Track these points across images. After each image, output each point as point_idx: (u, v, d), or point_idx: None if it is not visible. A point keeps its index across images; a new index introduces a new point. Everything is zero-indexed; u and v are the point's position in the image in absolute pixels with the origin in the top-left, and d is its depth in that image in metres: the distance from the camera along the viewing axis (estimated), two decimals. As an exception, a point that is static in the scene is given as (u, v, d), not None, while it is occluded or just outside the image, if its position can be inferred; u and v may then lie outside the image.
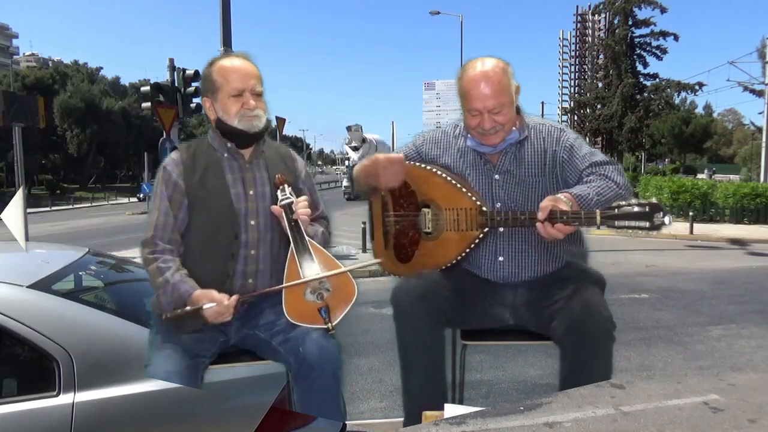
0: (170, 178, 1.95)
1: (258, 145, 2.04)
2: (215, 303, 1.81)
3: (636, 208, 1.74)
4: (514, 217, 1.95)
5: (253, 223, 1.97)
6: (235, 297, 1.85)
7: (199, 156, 1.99)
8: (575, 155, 2.00)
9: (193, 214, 1.95)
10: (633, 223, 1.75)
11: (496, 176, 2.06)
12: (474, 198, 2.02)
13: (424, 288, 1.94)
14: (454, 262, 2.07)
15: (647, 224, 1.74)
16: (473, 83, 1.96)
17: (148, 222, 1.95)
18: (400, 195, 2.15)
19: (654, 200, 1.78)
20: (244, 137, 1.98)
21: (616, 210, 1.76)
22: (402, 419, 2.02)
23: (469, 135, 2.08)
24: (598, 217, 1.76)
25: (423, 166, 2.12)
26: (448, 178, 2.06)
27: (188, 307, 1.80)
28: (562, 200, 1.81)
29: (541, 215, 1.80)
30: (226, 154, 2.01)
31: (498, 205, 2.04)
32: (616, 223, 1.76)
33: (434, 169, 2.09)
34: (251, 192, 1.99)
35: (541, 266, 2.07)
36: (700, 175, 42.41)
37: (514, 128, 2.03)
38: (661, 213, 1.74)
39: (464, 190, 2.03)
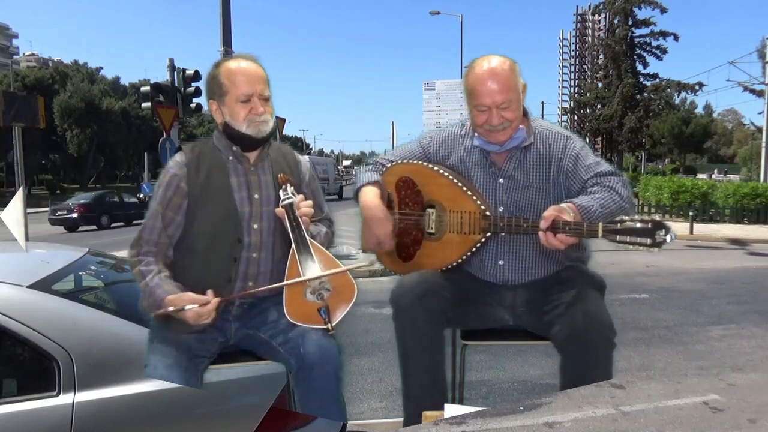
0: (172, 181, 1.94)
1: (263, 149, 2.04)
2: (195, 305, 1.79)
3: (639, 224, 1.75)
4: (517, 224, 1.95)
5: (256, 226, 1.97)
6: (216, 299, 1.82)
7: (204, 158, 1.98)
8: (580, 165, 1.99)
9: (196, 216, 1.94)
10: (635, 239, 1.75)
11: (501, 180, 2.06)
12: (478, 201, 2.01)
13: (424, 288, 1.94)
14: (455, 264, 2.07)
15: (648, 241, 1.74)
16: (481, 79, 1.95)
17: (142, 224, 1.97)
18: (405, 194, 2.16)
19: (657, 218, 1.78)
20: (252, 142, 1.97)
21: (618, 225, 1.76)
22: (402, 419, 2.02)
23: (476, 134, 2.07)
24: (600, 231, 1.77)
25: (430, 165, 2.12)
26: (454, 180, 2.06)
27: (171, 309, 1.79)
28: (566, 210, 1.81)
29: (543, 224, 1.80)
30: (231, 157, 2.00)
31: (501, 209, 2.04)
32: (618, 237, 1.76)
33: (440, 170, 2.09)
34: (256, 196, 1.98)
35: (541, 270, 2.07)
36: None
37: (521, 126, 2.03)
38: (663, 230, 1.74)
39: (469, 192, 2.03)
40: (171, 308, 1.78)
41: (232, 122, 1.95)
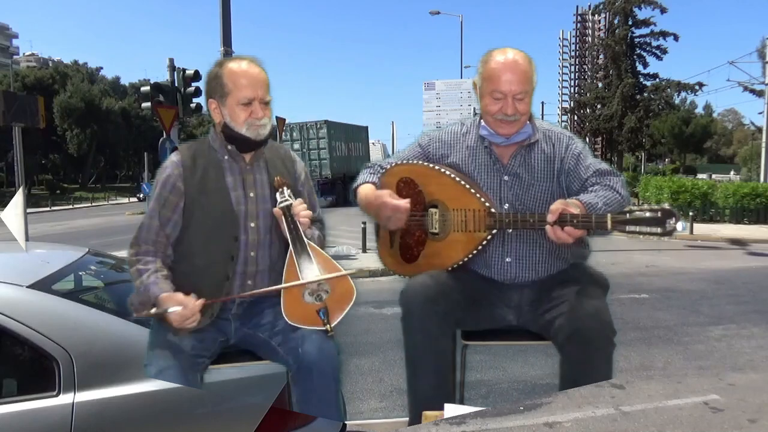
0: (168, 180, 1.95)
1: (259, 148, 2.04)
2: (180, 306, 1.79)
3: (648, 214, 1.74)
4: (523, 220, 1.94)
5: (253, 225, 1.97)
6: (200, 301, 1.82)
7: (200, 157, 1.99)
8: (581, 164, 2.01)
9: (193, 215, 1.94)
10: (645, 229, 1.74)
11: (505, 177, 2.05)
12: (482, 199, 2.00)
13: (436, 291, 1.92)
14: (461, 263, 2.06)
15: (659, 230, 1.73)
16: (502, 66, 1.97)
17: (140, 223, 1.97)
18: (407, 195, 2.14)
19: (667, 206, 1.77)
20: (250, 144, 1.98)
21: (627, 215, 1.75)
22: (402, 419, 2.02)
23: (482, 124, 2.07)
24: (609, 222, 1.75)
25: (431, 165, 2.11)
26: (456, 178, 2.04)
27: (153, 310, 1.79)
28: (572, 205, 1.80)
29: (551, 218, 1.78)
30: (226, 156, 2.00)
31: (506, 206, 2.04)
32: (627, 228, 1.75)
33: (442, 169, 2.08)
34: (252, 194, 1.99)
35: (548, 267, 2.06)
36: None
37: (528, 122, 2.05)
38: (674, 219, 1.73)
39: (473, 190, 2.02)
40: (154, 310, 1.78)
41: (232, 124, 1.95)
